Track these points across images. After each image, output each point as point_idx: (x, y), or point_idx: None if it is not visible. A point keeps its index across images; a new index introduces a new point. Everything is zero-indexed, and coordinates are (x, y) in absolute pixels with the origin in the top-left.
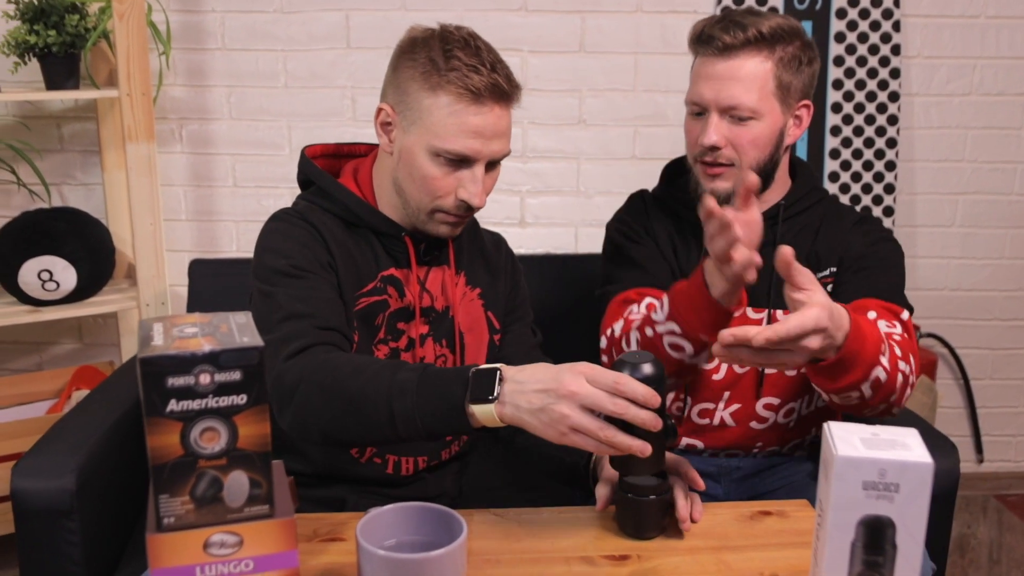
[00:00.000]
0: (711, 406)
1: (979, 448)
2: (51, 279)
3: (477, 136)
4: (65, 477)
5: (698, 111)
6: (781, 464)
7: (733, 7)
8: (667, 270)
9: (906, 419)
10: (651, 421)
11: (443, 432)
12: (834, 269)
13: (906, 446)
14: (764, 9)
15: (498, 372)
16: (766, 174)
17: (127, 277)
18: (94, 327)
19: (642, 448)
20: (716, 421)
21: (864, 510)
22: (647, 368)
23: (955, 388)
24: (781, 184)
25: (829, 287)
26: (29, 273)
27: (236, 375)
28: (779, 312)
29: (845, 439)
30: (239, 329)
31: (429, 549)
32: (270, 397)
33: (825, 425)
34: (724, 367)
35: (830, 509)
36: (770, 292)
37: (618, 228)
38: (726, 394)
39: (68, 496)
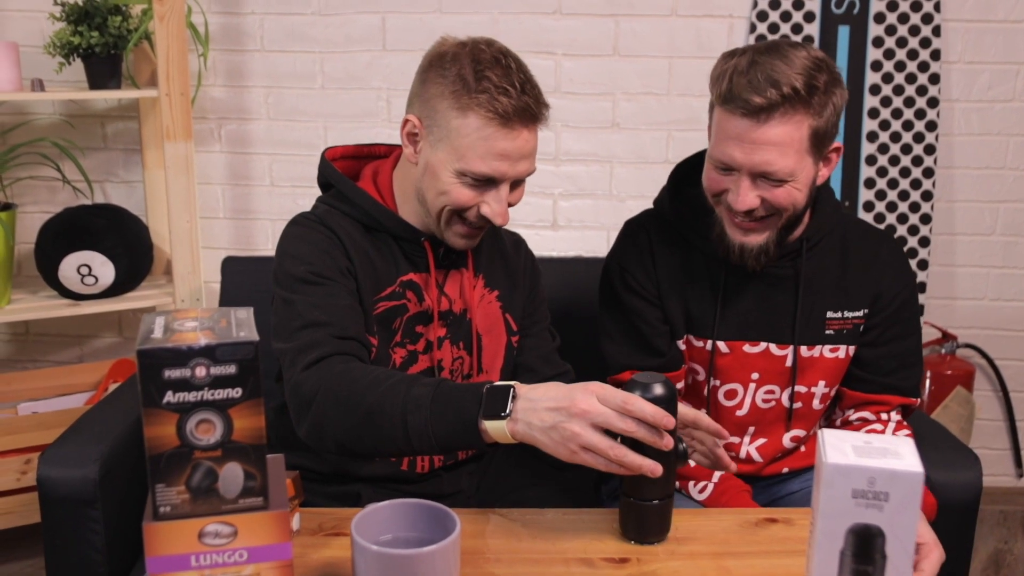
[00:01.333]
0: (736, 440)
1: (1019, 462)
2: (90, 274)
3: (504, 159)
4: (88, 466)
5: (725, 168)
6: (806, 470)
7: (768, 11)
8: (666, 335)
9: (932, 431)
10: (660, 441)
11: (456, 447)
12: (867, 310)
13: (898, 455)
14: (791, 36)
15: (512, 389)
16: (798, 219)
17: (165, 273)
18: (134, 321)
19: (652, 468)
20: (742, 455)
21: (853, 518)
22: (658, 389)
23: (994, 400)
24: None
25: (860, 328)
26: (69, 268)
27: (231, 368)
28: (803, 348)
29: (836, 446)
30: (237, 324)
31: (423, 545)
32: (288, 406)
33: (819, 432)
34: (748, 403)
35: (819, 517)
36: (794, 329)
37: (620, 276)
38: (751, 429)
39: (91, 485)
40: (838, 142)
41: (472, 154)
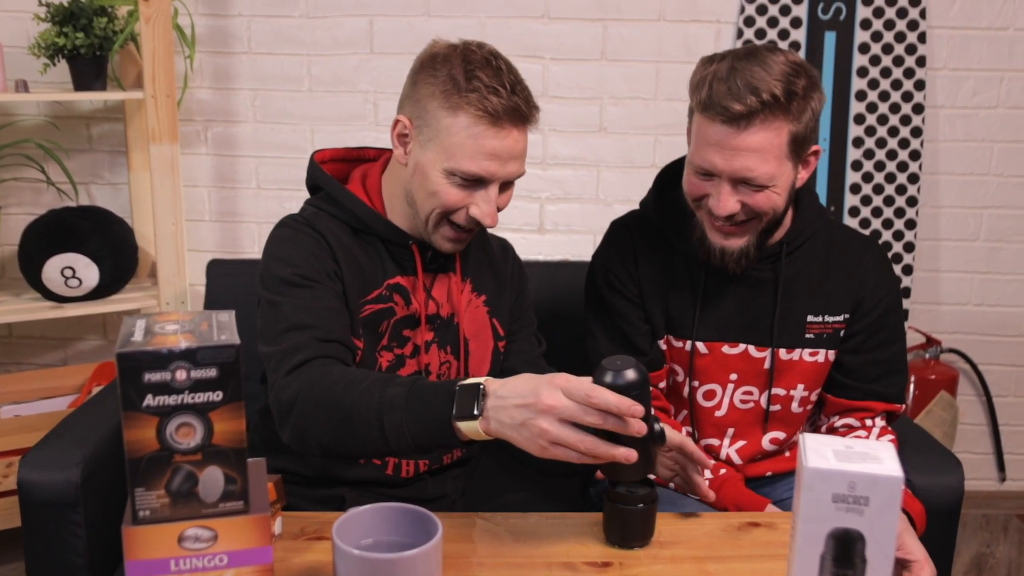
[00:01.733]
0: (716, 442)
1: (1001, 466)
2: (73, 276)
3: (494, 159)
4: (70, 470)
5: (705, 174)
6: (792, 473)
7: (755, 16)
8: (647, 334)
9: (915, 435)
10: (629, 429)
11: (433, 446)
12: (847, 316)
13: (878, 459)
14: (778, 42)
15: (480, 387)
16: (778, 222)
17: (150, 276)
18: (118, 324)
19: (626, 455)
20: (723, 456)
21: (834, 523)
22: (630, 374)
23: (977, 405)
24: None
25: (841, 333)
26: (52, 270)
27: (212, 372)
28: (781, 351)
29: (817, 451)
30: (219, 327)
31: (405, 549)
32: (272, 411)
33: (800, 436)
34: (726, 403)
35: (800, 521)
36: (772, 333)
37: (604, 276)
38: (730, 431)
39: (73, 489)
40: (816, 145)
41: (461, 153)
